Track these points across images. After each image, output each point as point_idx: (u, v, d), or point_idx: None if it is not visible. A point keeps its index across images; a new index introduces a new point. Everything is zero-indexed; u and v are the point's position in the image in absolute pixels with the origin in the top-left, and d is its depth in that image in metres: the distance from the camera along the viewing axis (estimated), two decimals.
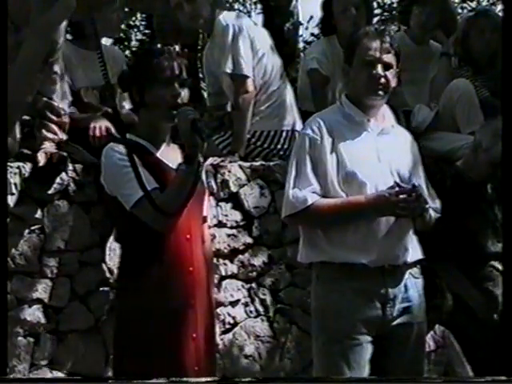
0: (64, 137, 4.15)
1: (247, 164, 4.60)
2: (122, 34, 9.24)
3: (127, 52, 9.52)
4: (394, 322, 3.43)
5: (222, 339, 4.38)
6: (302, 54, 7.44)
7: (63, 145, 4.14)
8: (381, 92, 3.46)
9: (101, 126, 4.24)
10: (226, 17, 4.83)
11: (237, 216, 4.50)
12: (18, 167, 3.97)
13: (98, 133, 4.22)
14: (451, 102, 5.08)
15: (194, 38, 5.64)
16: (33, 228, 4.00)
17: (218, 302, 4.24)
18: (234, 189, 4.49)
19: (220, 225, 4.43)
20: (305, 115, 4.47)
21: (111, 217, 3.70)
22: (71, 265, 4.09)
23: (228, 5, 9.21)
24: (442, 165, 4.59)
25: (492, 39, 5.06)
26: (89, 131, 4.22)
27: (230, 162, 4.56)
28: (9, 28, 3.62)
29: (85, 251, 4.12)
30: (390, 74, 3.48)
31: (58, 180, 4.05)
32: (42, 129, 4.09)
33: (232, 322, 4.47)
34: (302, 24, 8.77)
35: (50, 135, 4.08)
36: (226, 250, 4.44)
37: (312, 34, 9.94)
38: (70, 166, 4.09)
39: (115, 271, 3.90)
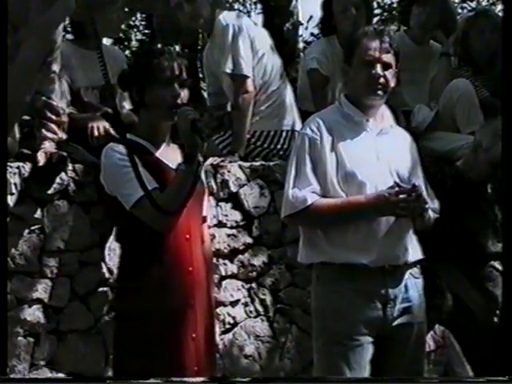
0: (64, 136, 4.15)
1: (247, 164, 4.60)
2: (121, 34, 9.23)
3: (127, 52, 9.51)
4: (395, 323, 3.43)
5: (222, 339, 4.38)
6: (301, 54, 7.45)
7: (63, 144, 4.14)
8: (380, 92, 3.46)
9: (99, 126, 4.24)
10: (226, 17, 4.83)
11: (237, 216, 4.50)
12: (18, 167, 3.97)
13: (96, 132, 4.23)
14: (451, 102, 5.08)
15: (194, 38, 5.65)
16: (33, 228, 4.01)
17: (217, 301, 4.24)
18: (233, 189, 4.50)
19: (220, 225, 4.43)
20: (305, 115, 4.47)
21: (111, 217, 3.70)
22: (71, 265, 4.09)
23: (228, 5, 9.21)
24: (442, 165, 4.58)
25: (492, 39, 5.06)
26: (87, 131, 4.23)
27: (230, 162, 4.56)
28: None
29: (85, 251, 4.12)
30: (390, 73, 3.48)
31: (57, 180, 4.05)
32: (42, 128, 4.09)
33: (232, 321, 4.47)
34: (301, 24, 8.79)
35: (49, 134, 4.09)
36: (225, 250, 4.44)
37: (312, 34, 9.93)
38: (70, 166, 4.09)
39: (115, 271, 3.90)
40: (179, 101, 3.42)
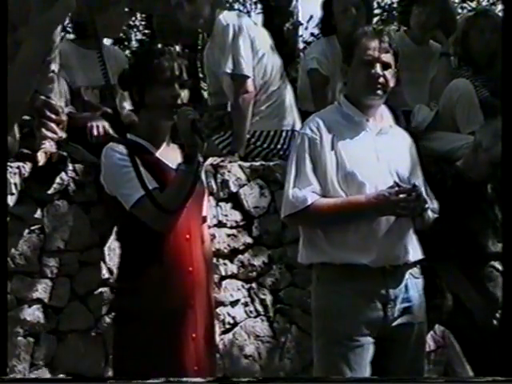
0: (63, 135, 4.15)
1: (247, 164, 4.60)
2: (121, 34, 9.22)
3: (127, 52, 9.51)
4: (395, 323, 3.43)
5: (222, 339, 4.38)
6: (301, 54, 7.44)
7: (63, 144, 4.14)
8: (379, 91, 3.47)
9: (98, 125, 4.24)
10: (226, 17, 4.83)
11: (237, 216, 4.50)
12: (18, 167, 3.97)
13: (95, 132, 4.23)
14: (451, 102, 5.08)
15: (194, 38, 5.63)
16: (33, 228, 4.00)
17: (217, 301, 4.24)
18: (233, 189, 4.50)
19: (220, 225, 4.43)
20: (305, 115, 4.47)
21: (111, 217, 3.70)
22: (71, 265, 4.09)
23: (228, 5, 9.22)
24: (442, 165, 4.59)
25: (492, 39, 5.06)
26: (86, 130, 4.23)
27: (230, 161, 4.56)
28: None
29: (85, 251, 4.12)
30: (389, 73, 3.48)
31: (57, 180, 4.05)
32: (41, 127, 4.09)
33: (232, 322, 4.47)
34: (301, 24, 8.79)
35: (49, 134, 4.08)
36: (225, 250, 4.44)
37: (312, 34, 9.93)
38: (70, 166, 4.09)
39: (115, 271, 3.90)
40: (179, 101, 3.42)
